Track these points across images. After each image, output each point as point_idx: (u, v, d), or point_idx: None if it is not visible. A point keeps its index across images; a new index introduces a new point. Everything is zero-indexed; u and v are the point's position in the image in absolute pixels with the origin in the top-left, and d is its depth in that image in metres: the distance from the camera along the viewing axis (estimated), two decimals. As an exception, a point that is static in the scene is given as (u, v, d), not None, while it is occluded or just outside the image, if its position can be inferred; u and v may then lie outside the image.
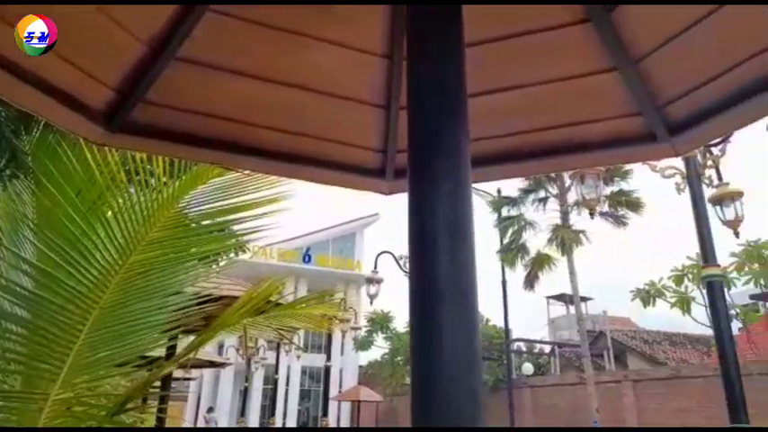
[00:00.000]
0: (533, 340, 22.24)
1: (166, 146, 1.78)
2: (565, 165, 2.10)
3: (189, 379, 25.51)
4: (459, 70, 1.03)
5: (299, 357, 21.40)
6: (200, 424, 27.33)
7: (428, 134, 0.98)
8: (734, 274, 10.92)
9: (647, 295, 12.69)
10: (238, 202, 3.00)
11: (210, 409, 24.72)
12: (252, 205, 2.97)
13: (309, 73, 1.84)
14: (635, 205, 14.66)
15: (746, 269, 10.80)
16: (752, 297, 10.78)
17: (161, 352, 4.14)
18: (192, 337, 3.45)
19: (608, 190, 14.60)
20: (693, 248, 11.62)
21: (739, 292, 11.51)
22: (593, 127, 2.04)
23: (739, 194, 6.01)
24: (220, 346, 24.36)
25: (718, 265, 4.84)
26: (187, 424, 33.11)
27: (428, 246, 0.90)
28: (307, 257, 33.36)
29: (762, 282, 10.66)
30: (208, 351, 15.68)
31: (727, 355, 4.31)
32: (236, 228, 3.32)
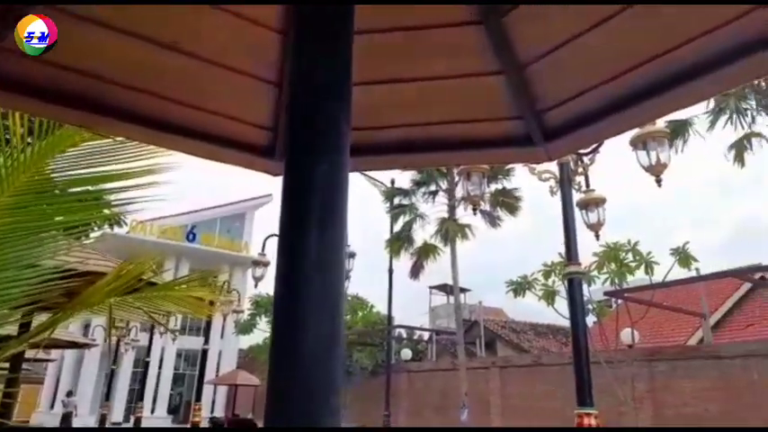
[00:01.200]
0: (413, 327, 23.11)
1: (24, 101, 1.58)
2: (449, 160, 2.19)
3: (46, 360, 23.34)
4: (346, 55, 1.02)
5: (174, 339, 20.41)
6: (58, 408, 25.16)
7: (307, 116, 0.96)
8: (595, 273, 12.08)
9: (520, 287, 13.60)
10: (113, 170, 2.77)
11: (70, 393, 22.82)
12: (128, 174, 2.75)
13: (201, 40, 1.73)
14: (512, 205, 15.67)
15: (605, 268, 12.00)
16: (605, 294, 12.02)
17: (13, 330, 3.73)
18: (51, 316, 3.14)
19: (493, 187, 15.51)
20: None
21: (599, 288, 12.77)
22: (479, 126, 2.14)
23: (602, 201, 6.66)
24: (86, 326, 22.54)
25: (579, 264, 5.35)
26: (43, 409, 30.36)
27: (297, 226, 0.89)
28: (191, 236, 31.76)
29: (617, 280, 11.87)
30: (71, 331, 14.43)
31: (579, 345, 4.78)
32: (110, 198, 3.08)
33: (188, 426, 17.67)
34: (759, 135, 9.99)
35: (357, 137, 2.08)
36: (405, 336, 23.21)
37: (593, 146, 5.68)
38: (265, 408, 0.81)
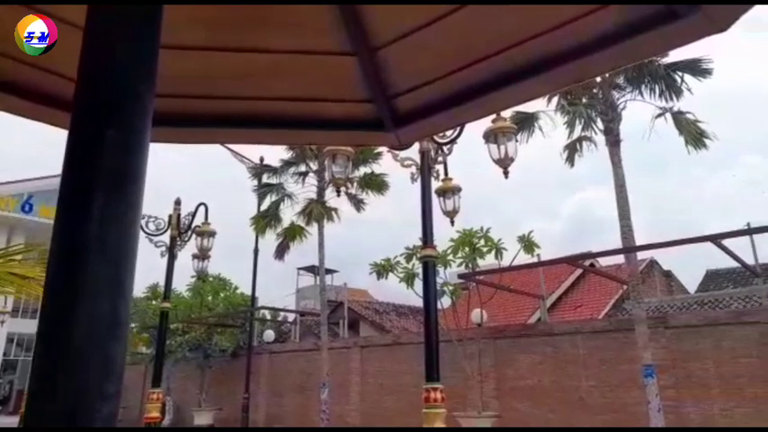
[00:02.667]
0: (278, 308, 22.83)
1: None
2: (299, 138, 2.13)
3: None
4: (154, 15, 0.91)
5: (3, 323, 18.06)
6: None
7: (99, 77, 0.84)
8: (451, 257, 12.82)
9: (383, 269, 13.97)
10: None
11: None
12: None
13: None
14: (379, 189, 16.01)
15: (460, 253, 12.78)
16: (459, 276, 12.84)
17: None
18: None
19: (362, 171, 15.71)
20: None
21: (455, 271, 13.58)
22: (330, 106, 2.10)
23: (458, 189, 7.05)
24: None
25: (434, 248, 5.63)
26: None
27: (79, 198, 0.78)
28: (27, 206, 28.16)
29: (470, 264, 12.72)
30: None
31: (430, 324, 5.04)
32: None
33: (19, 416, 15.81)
34: (589, 139, 11.24)
35: (189, 106, 1.94)
36: (269, 317, 22.86)
37: (452, 136, 5.97)
38: (26, 403, 0.71)
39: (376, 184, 15.96)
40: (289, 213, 16.68)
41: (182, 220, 9.92)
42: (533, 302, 17.66)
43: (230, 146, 15.59)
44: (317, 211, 15.08)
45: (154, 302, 19.56)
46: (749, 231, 10.17)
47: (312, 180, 16.56)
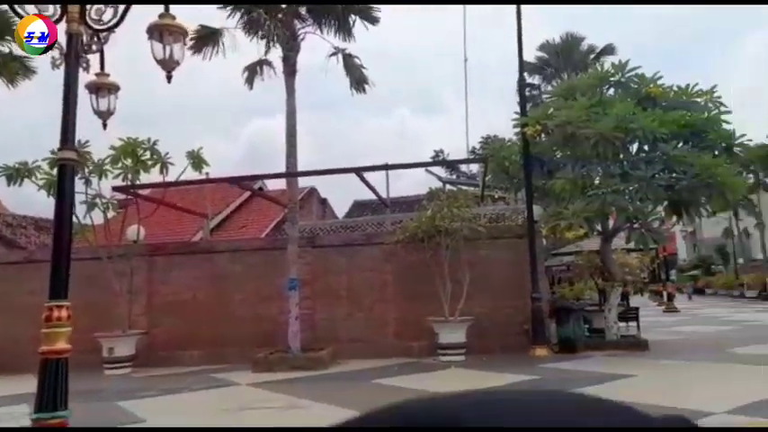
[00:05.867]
0: None
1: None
2: None
3: None
4: None
5: None
6: None
7: None
8: (109, 167, 11.44)
9: (17, 174, 11.59)
10: None
11: None
12: None
13: None
14: (14, 72, 13.00)
15: (121, 164, 11.51)
16: (113, 188, 11.64)
17: None
18: None
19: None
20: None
21: (114, 183, 12.15)
22: None
23: (116, 88, 6.20)
24: None
25: (75, 150, 4.84)
26: None
27: None
28: None
29: (130, 176, 11.61)
30: None
31: (62, 238, 4.38)
32: None
33: None
34: (269, 64, 11.41)
35: None
36: None
37: (110, 23, 5.13)
38: None
39: (14, 67, 12.90)
40: None
41: None
42: (200, 222, 17.48)
43: None
44: None
45: None
46: (384, 167, 12.12)
47: None
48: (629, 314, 12.39)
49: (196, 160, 11.99)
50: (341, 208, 25.69)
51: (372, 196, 14.85)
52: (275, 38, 10.68)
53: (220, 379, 9.08)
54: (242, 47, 11.43)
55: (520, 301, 10.59)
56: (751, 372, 7.67)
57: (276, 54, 11.20)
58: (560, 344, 10.40)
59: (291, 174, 11.09)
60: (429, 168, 15.55)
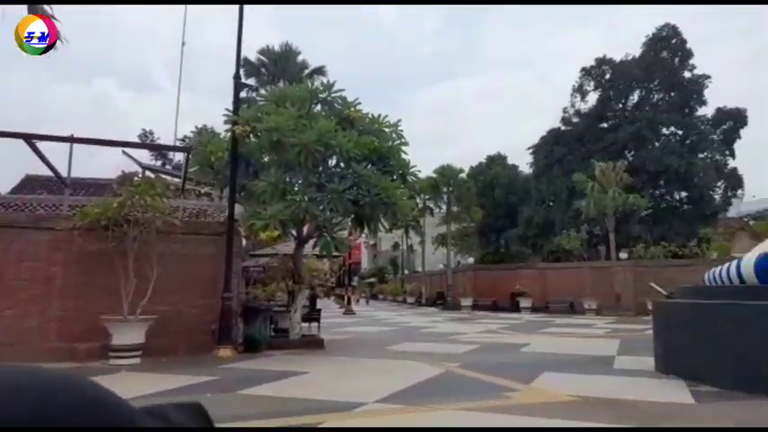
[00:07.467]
0: None
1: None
2: None
3: None
4: None
5: None
6: None
7: None
8: None
9: None
10: None
11: None
12: None
13: None
14: None
15: None
16: None
17: None
18: None
19: None
20: None
21: None
22: None
23: None
24: None
25: None
26: None
27: None
28: None
29: None
30: None
31: None
32: None
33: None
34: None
35: None
36: None
37: None
38: None
39: None
40: None
41: None
42: None
43: None
44: None
45: None
46: (70, 140, 10.42)
47: None
48: (313, 315, 13.41)
49: None
50: (7, 181, 21.10)
51: (50, 173, 12.57)
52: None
53: None
54: None
55: (213, 299, 10.34)
56: (401, 365, 9.08)
57: None
58: (245, 344, 10.53)
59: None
60: (126, 150, 14.02)
